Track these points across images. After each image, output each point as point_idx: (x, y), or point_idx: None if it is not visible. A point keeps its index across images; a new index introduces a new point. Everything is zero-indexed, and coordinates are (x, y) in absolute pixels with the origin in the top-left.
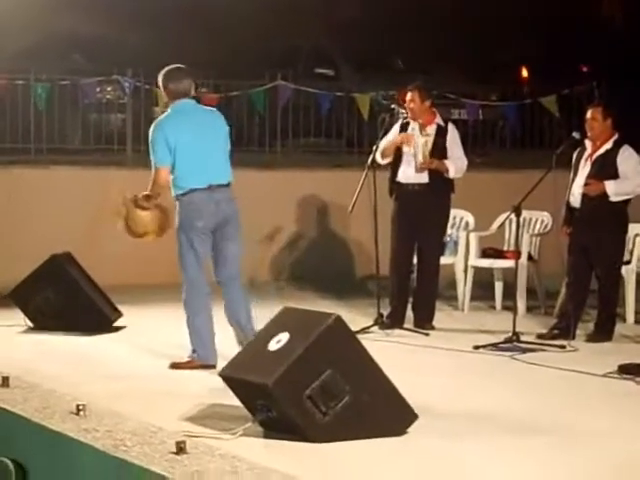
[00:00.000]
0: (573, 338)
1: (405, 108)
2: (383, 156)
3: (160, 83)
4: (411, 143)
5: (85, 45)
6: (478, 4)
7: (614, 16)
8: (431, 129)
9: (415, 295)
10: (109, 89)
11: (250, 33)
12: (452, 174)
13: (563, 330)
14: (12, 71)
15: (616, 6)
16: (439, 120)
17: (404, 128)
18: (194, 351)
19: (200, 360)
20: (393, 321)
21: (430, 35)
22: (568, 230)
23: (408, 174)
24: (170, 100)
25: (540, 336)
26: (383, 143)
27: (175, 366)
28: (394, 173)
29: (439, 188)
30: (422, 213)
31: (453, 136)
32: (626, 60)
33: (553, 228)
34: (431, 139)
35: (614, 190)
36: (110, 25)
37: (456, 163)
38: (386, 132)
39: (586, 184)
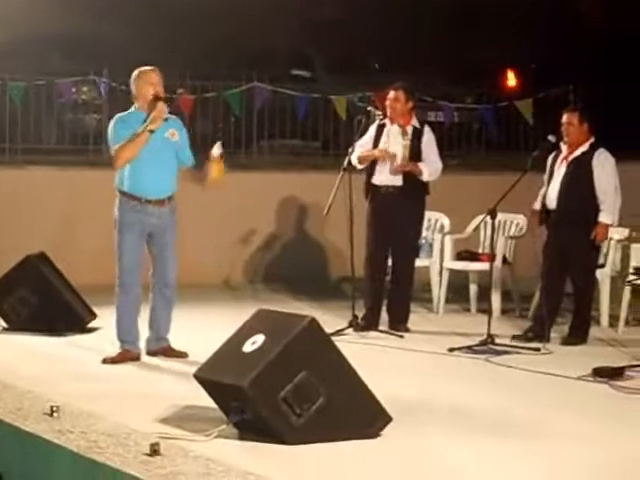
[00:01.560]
0: (548, 341)
1: (382, 110)
2: (359, 162)
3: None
4: (387, 159)
5: (61, 45)
6: (459, 7)
7: (592, 17)
8: (408, 131)
9: (390, 297)
10: (85, 89)
11: (226, 33)
12: (426, 177)
13: (537, 333)
14: None
15: (595, 6)
16: (415, 122)
17: (380, 130)
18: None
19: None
20: (368, 323)
21: (406, 37)
22: (536, 228)
23: (383, 177)
24: None
25: (515, 337)
26: (359, 146)
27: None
28: (369, 175)
29: (413, 190)
30: (396, 215)
31: (429, 139)
32: (603, 62)
33: (527, 231)
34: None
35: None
36: (86, 25)
37: (430, 166)
38: (362, 134)
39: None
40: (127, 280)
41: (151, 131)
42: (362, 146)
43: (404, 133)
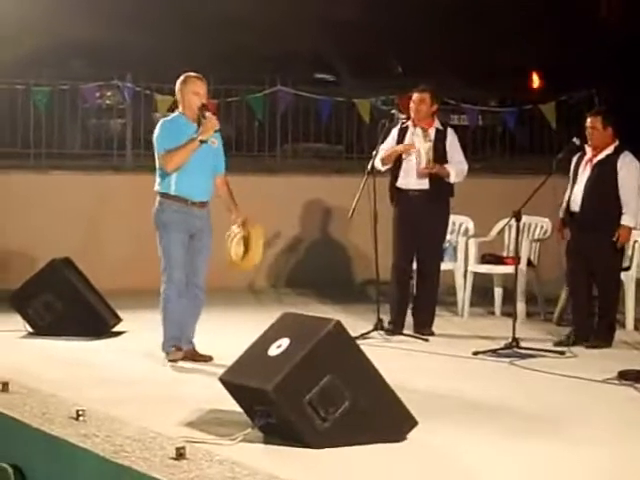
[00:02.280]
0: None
1: (405, 113)
2: (383, 163)
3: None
4: (412, 152)
5: (85, 50)
6: (478, 9)
7: (613, 19)
8: (431, 133)
9: (415, 301)
10: (109, 94)
11: (249, 37)
12: (453, 179)
13: (580, 336)
14: (12, 76)
15: (615, 8)
16: (437, 124)
17: (403, 133)
18: None
19: None
20: (394, 327)
21: (429, 40)
22: (565, 234)
23: (409, 180)
24: None
25: (557, 344)
26: (382, 149)
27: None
28: (394, 179)
29: (439, 193)
30: (422, 219)
31: (453, 140)
32: (624, 65)
33: (552, 234)
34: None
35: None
36: (110, 30)
37: (457, 167)
38: (385, 137)
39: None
40: (177, 276)
41: (202, 141)
42: (385, 150)
43: (426, 135)
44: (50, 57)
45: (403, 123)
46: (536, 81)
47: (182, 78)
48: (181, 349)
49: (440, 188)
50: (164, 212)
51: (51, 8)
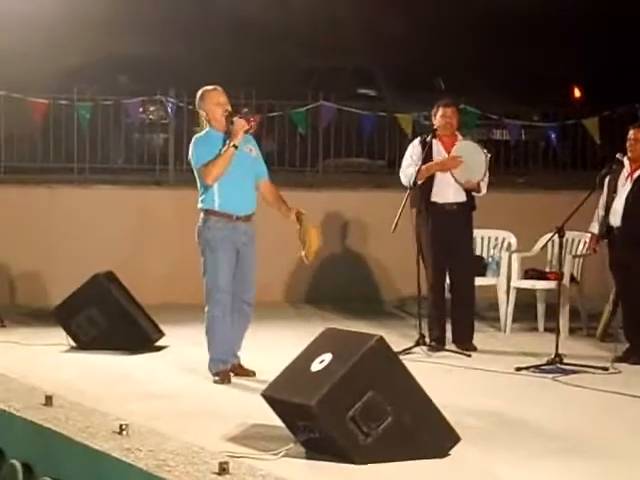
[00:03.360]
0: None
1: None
2: (421, 177)
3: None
4: (457, 165)
5: (129, 65)
6: (521, 24)
7: None
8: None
9: (454, 316)
10: (152, 109)
11: (293, 52)
12: (483, 192)
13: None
14: (56, 91)
15: None
16: (461, 138)
17: (426, 146)
18: None
19: None
20: (437, 343)
21: (472, 55)
22: (598, 246)
23: (447, 193)
24: None
25: (616, 359)
26: (414, 164)
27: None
28: (427, 193)
29: (471, 206)
30: (458, 232)
31: None
32: None
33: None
34: None
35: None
36: (154, 45)
37: (485, 181)
38: (429, 152)
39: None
40: (223, 298)
41: (235, 146)
42: (414, 164)
43: (446, 148)
44: (94, 72)
45: (425, 137)
46: (577, 93)
47: (199, 94)
48: (228, 371)
49: (472, 201)
50: (209, 229)
51: (95, 23)
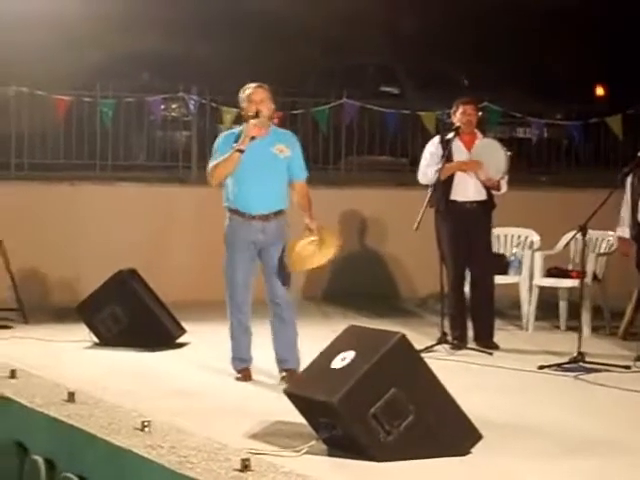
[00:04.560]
0: None
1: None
2: (442, 176)
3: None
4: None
5: (151, 62)
6: (543, 22)
7: None
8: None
9: (474, 314)
10: (174, 106)
11: (316, 50)
12: (504, 190)
13: None
14: (78, 88)
15: None
16: (481, 136)
17: (447, 144)
18: None
19: None
20: (460, 341)
21: (495, 52)
22: (632, 251)
23: (467, 192)
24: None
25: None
26: (434, 163)
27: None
28: (447, 192)
29: (491, 205)
30: (477, 230)
31: None
32: None
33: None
34: None
35: None
36: (176, 42)
37: (505, 180)
38: (449, 151)
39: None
40: (239, 299)
41: (239, 151)
42: (433, 163)
43: (468, 146)
44: (117, 69)
45: (445, 135)
46: (600, 91)
47: (241, 90)
48: (248, 368)
49: (492, 199)
50: (229, 227)
51: (118, 20)
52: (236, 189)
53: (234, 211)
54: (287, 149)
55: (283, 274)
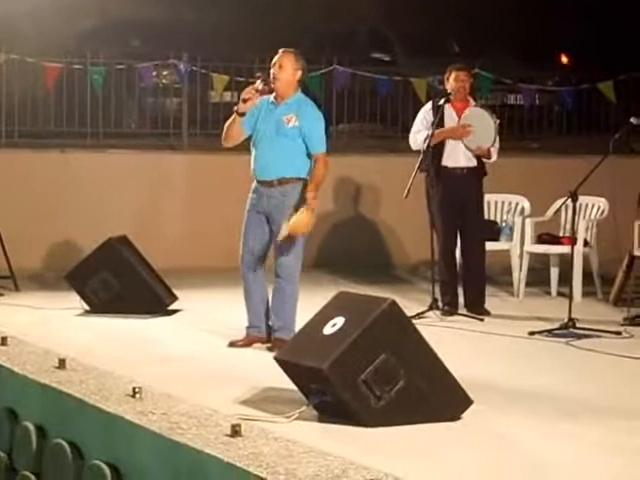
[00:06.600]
0: None
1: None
2: (433, 141)
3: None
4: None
5: (142, 29)
6: None
7: None
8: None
9: (465, 281)
10: (165, 73)
11: (307, 17)
12: (494, 158)
13: None
14: (69, 55)
15: None
16: (473, 103)
17: (439, 110)
18: None
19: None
20: (450, 307)
21: (486, 18)
22: None
23: (458, 158)
24: (299, 85)
25: (631, 323)
26: (425, 129)
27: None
28: (438, 158)
29: (482, 171)
30: (468, 196)
31: None
32: None
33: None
34: None
35: None
36: (166, 8)
37: (495, 147)
38: (441, 117)
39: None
40: (248, 258)
41: (239, 113)
42: (424, 129)
43: (459, 113)
44: (107, 36)
45: (437, 101)
46: (564, 60)
47: None
48: (253, 336)
49: (483, 166)
50: (251, 192)
51: None
52: (253, 155)
53: (253, 176)
54: (296, 119)
55: (285, 244)
